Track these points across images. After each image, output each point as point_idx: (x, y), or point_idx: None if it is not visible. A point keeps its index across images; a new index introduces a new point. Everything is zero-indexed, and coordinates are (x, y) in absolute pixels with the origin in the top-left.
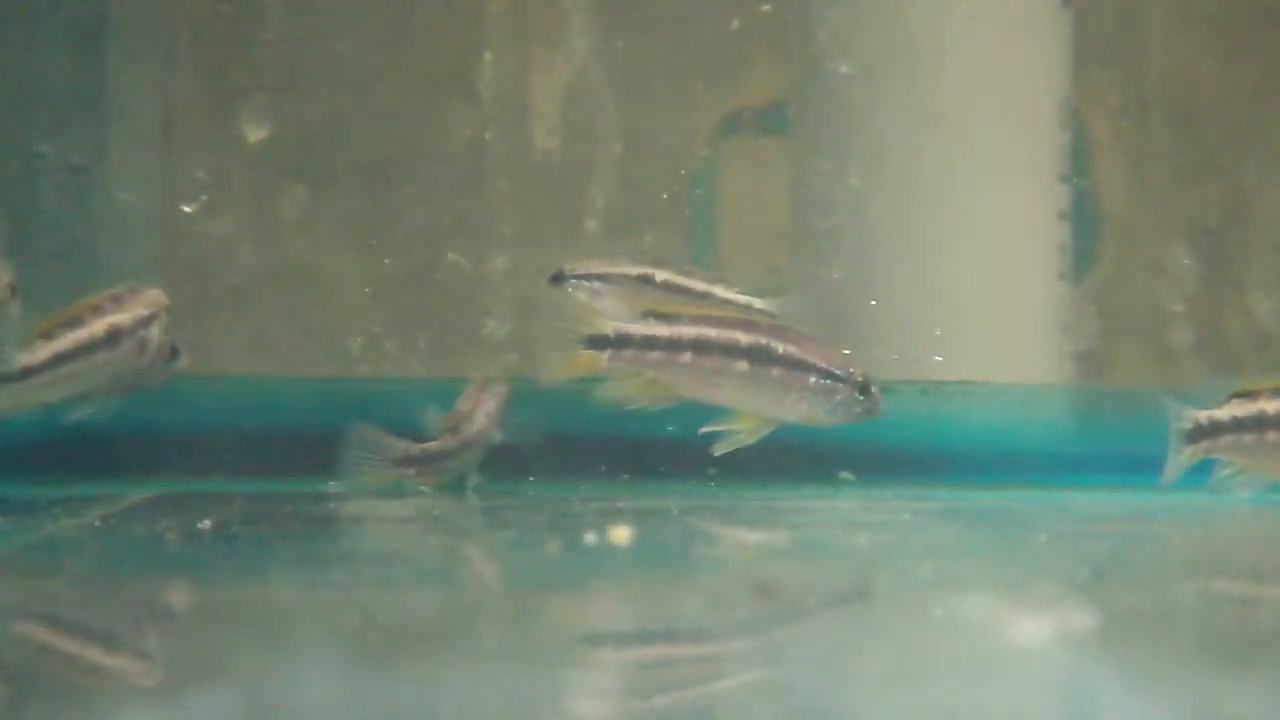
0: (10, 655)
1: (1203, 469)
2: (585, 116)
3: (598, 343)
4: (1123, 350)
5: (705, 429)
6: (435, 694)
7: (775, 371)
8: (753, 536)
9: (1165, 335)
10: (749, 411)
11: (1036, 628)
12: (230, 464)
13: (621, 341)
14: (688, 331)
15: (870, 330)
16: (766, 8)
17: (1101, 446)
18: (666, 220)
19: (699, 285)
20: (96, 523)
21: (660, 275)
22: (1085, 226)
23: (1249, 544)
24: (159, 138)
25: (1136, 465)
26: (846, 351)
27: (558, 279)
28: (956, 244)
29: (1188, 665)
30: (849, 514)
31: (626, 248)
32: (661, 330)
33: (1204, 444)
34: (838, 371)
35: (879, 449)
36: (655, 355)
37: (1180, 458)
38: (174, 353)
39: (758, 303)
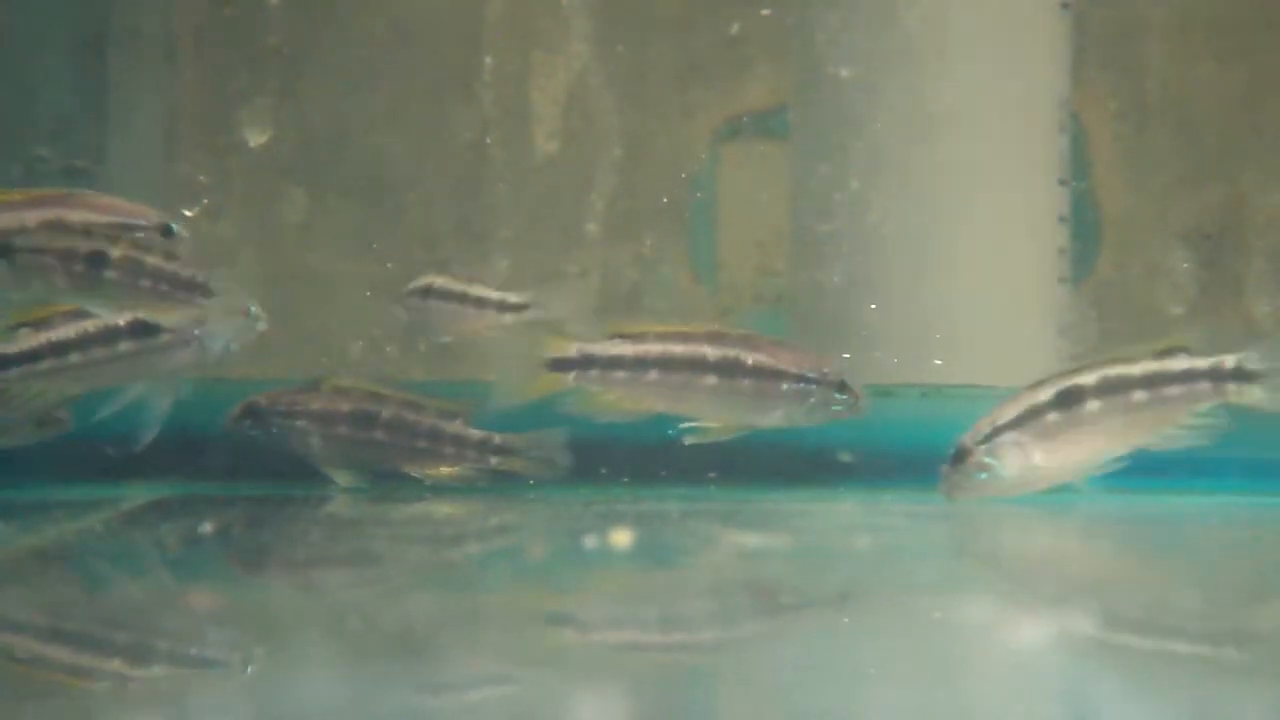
0: (10, 658)
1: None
2: (585, 120)
3: (563, 365)
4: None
5: (682, 427)
6: (435, 696)
7: (746, 383)
8: (753, 539)
9: (1164, 339)
10: (724, 419)
11: (1036, 631)
12: (231, 468)
13: (587, 362)
14: (653, 349)
15: (870, 334)
16: (766, 12)
17: None
18: (667, 224)
19: (458, 287)
20: (98, 526)
21: (437, 283)
22: (1084, 230)
23: (1248, 547)
24: (160, 141)
25: (1136, 468)
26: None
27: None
28: (956, 247)
29: (1187, 669)
30: (849, 517)
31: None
32: (626, 350)
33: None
34: (810, 375)
35: (879, 452)
36: (620, 374)
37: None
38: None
39: (512, 297)
